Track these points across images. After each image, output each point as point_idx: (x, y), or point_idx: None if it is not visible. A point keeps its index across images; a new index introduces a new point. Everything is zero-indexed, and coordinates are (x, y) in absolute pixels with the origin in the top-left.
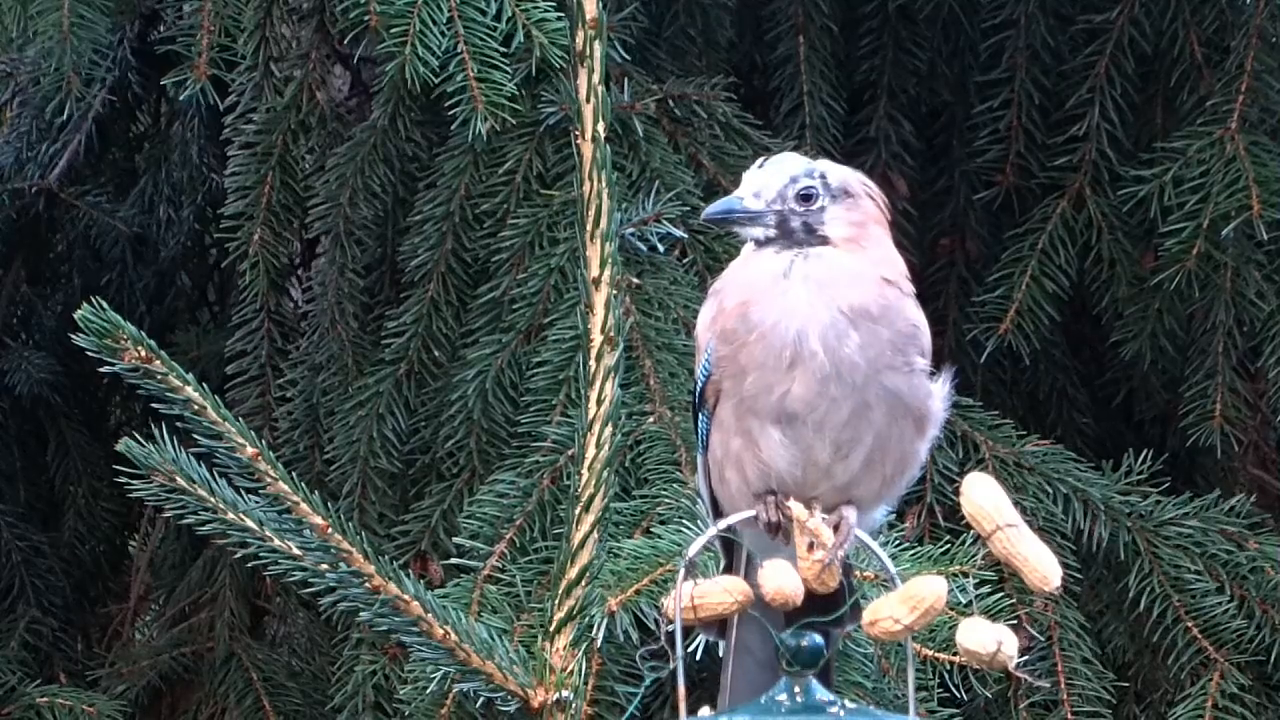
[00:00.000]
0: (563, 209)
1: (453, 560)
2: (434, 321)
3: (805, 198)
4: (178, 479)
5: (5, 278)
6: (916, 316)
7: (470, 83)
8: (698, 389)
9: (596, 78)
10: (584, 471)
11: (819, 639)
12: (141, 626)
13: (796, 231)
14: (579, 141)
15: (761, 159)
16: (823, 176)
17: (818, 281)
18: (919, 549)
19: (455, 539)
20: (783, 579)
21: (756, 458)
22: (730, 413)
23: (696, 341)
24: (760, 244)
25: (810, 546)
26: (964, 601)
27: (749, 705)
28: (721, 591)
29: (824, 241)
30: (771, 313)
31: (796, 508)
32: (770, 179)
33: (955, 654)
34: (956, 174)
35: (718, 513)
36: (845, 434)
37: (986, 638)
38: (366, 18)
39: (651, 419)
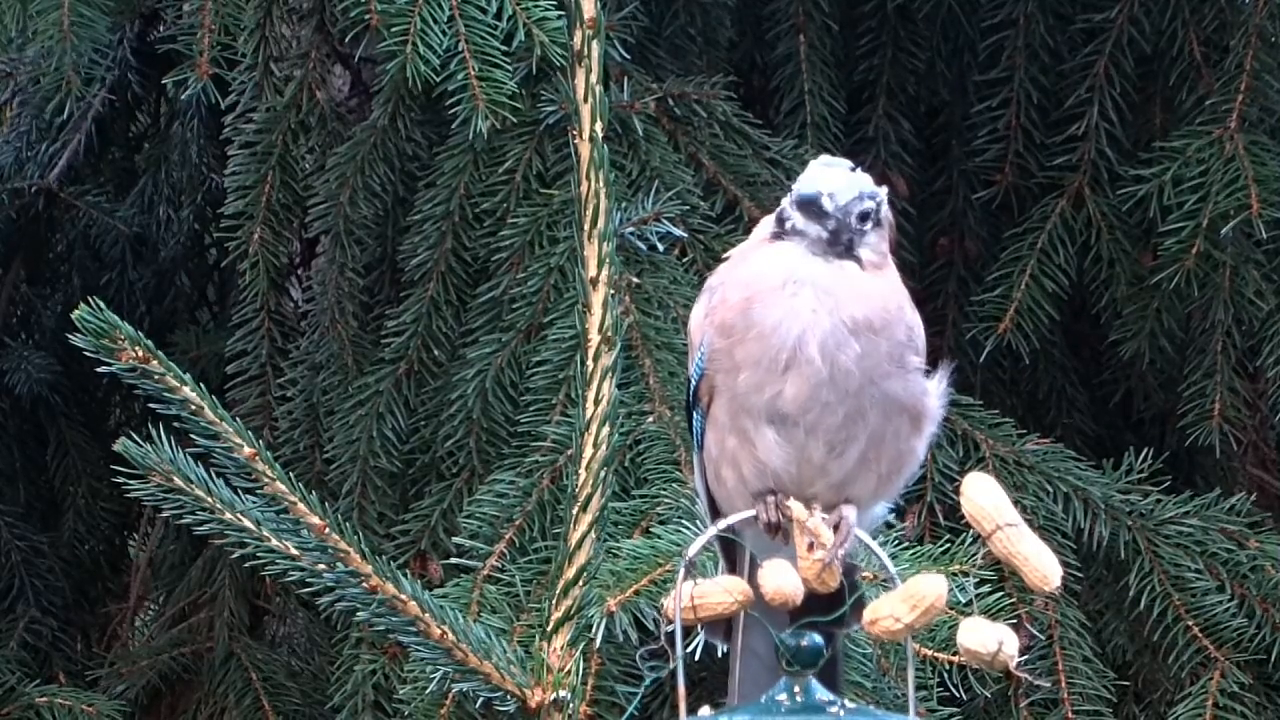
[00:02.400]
0: (562, 208)
1: (452, 560)
2: (434, 321)
3: (864, 217)
4: (175, 479)
5: (5, 277)
6: (913, 318)
7: (471, 81)
8: (692, 386)
9: (594, 78)
10: (582, 471)
11: (819, 639)
12: (141, 626)
13: (840, 245)
14: (577, 141)
15: (824, 159)
16: (880, 203)
17: (827, 290)
18: (919, 548)
19: (455, 539)
20: (782, 579)
21: (752, 455)
22: (724, 410)
23: (690, 338)
24: (782, 237)
25: (810, 546)
26: (963, 601)
27: (749, 705)
28: (721, 591)
29: (855, 260)
30: (774, 313)
31: (796, 507)
32: (845, 188)
33: (955, 653)
34: (955, 173)
35: (715, 512)
36: (839, 434)
37: (987, 638)
38: (367, 16)
39: (651, 418)
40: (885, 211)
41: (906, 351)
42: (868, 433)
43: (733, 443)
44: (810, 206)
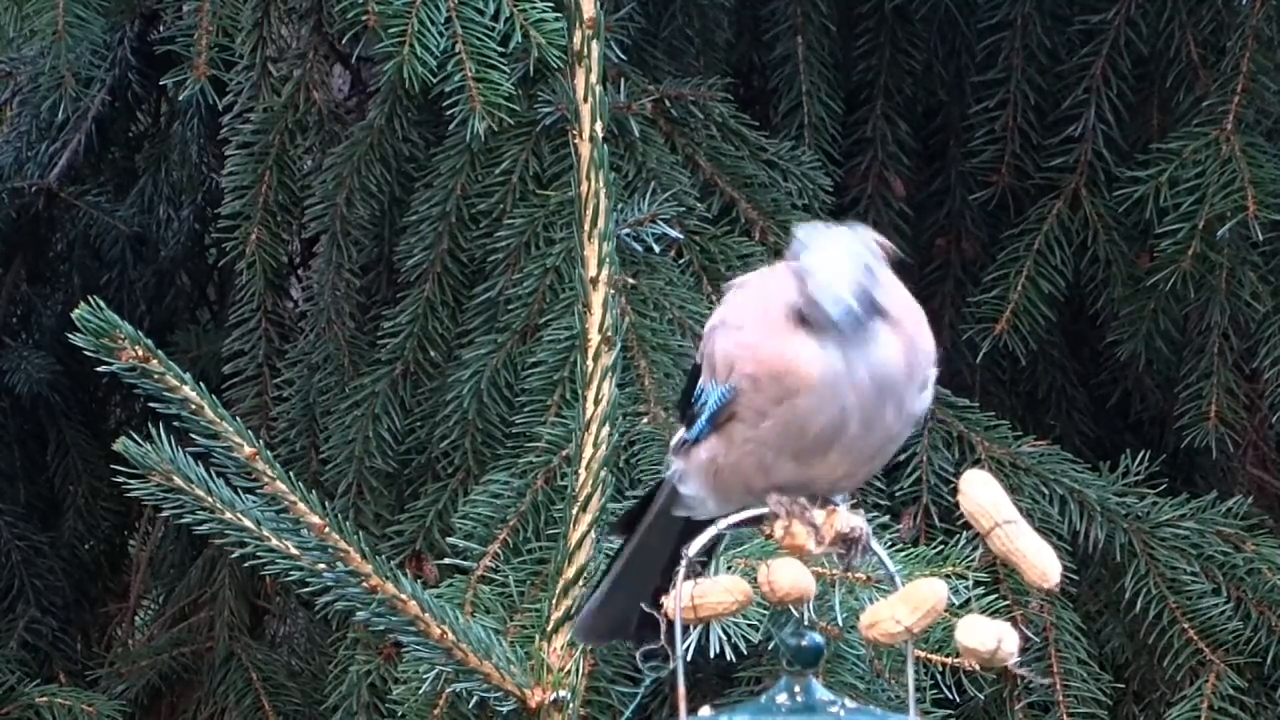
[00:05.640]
0: (559, 209)
1: (447, 560)
2: (430, 321)
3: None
4: (175, 478)
5: (5, 277)
6: (926, 330)
7: (468, 82)
8: (708, 407)
9: (594, 77)
10: (581, 471)
11: (819, 638)
12: (141, 626)
13: (870, 317)
14: (576, 141)
15: (816, 240)
16: (876, 251)
17: (866, 366)
18: (913, 550)
19: (450, 539)
20: (796, 575)
21: (765, 477)
22: (742, 438)
23: (710, 359)
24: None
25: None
26: (957, 603)
27: (749, 705)
28: (722, 591)
29: (881, 315)
30: (814, 397)
31: (817, 514)
32: (853, 273)
33: (949, 655)
34: (953, 174)
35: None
36: (859, 460)
37: (986, 635)
38: (364, 17)
39: (645, 419)
40: (879, 245)
41: (926, 371)
42: (883, 451)
43: (749, 463)
44: (845, 320)
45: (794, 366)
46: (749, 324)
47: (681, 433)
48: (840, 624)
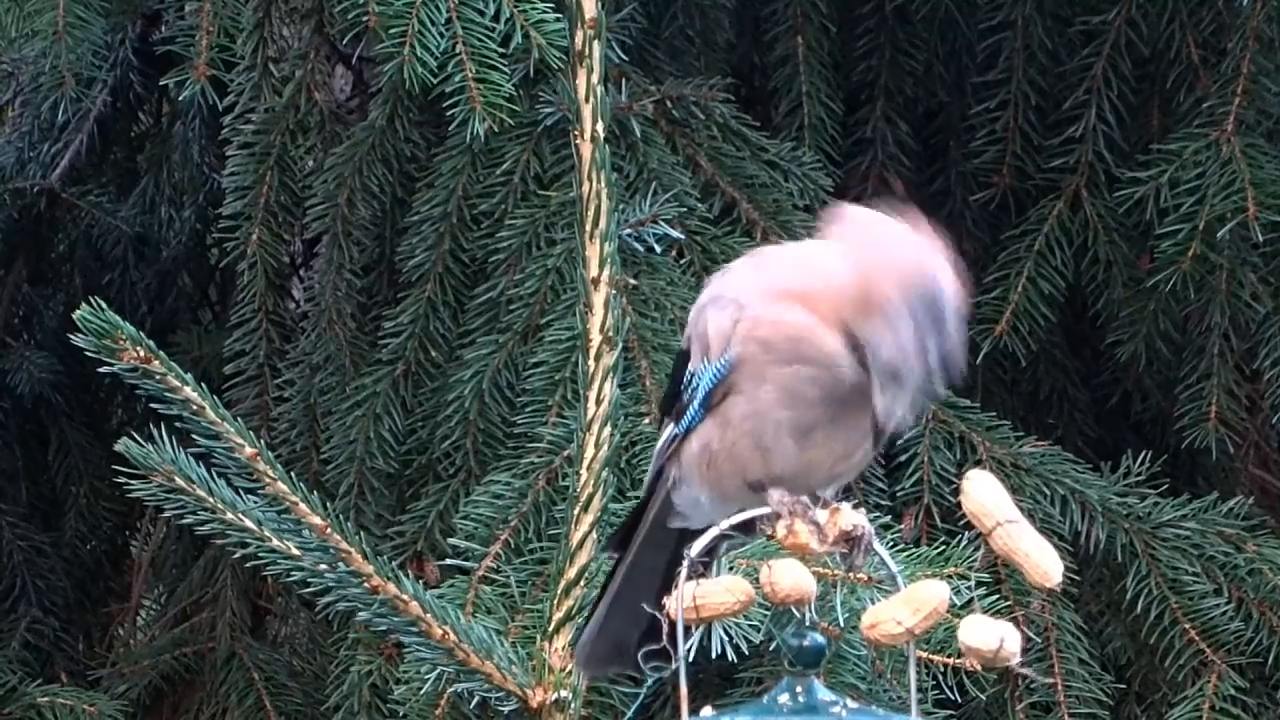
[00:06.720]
0: (560, 209)
1: (448, 561)
2: (431, 322)
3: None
4: (176, 479)
5: (7, 277)
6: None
7: (469, 83)
8: (701, 388)
9: (595, 77)
10: (583, 471)
11: (821, 639)
12: (143, 626)
13: None
14: (578, 141)
15: None
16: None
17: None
18: (915, 551)
19: (451, 540)
20: (797, 576)
21: (764, 460)
22: (740, 414)
23: (703, 340)
24: None
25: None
26: (959, 604)
27: (749, 705)
28: (724, 591)
29: None
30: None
31: (819, 514)
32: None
33: (951, 655)
34: (953, 175)
35: (657, 477)
36: (854, 440)
37: (989, 635)
38: (365, 18)
39: (647, 420)
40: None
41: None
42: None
43: (745, 445)
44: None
45: (815, 338)
46: (751, 299)
47: (670, 430)
48: (842, 624)
